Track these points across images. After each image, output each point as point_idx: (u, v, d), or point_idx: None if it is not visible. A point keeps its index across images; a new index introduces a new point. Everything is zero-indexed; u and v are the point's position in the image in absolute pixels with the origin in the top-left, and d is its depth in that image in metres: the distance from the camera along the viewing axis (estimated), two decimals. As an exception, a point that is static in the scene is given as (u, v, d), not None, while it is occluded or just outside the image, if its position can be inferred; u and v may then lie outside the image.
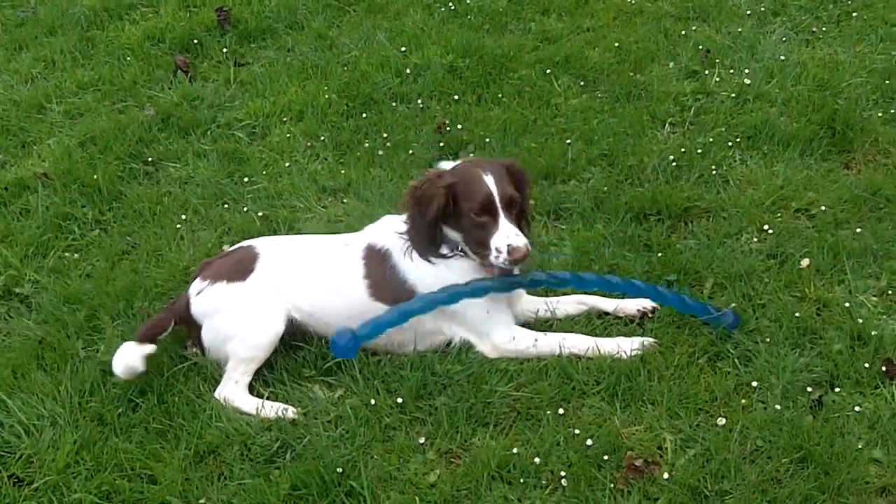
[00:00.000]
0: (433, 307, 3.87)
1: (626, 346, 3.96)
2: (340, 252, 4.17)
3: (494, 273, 3.97)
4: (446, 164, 4.10)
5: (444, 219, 3.94)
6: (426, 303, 3.85)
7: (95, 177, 5.39)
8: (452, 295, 3.87)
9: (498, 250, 3.84)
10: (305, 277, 4.15)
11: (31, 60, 6.85)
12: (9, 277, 4.80)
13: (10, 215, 5.28)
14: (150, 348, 4.01)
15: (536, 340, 4.03)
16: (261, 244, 4.27)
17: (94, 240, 5.03)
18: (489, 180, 3.85)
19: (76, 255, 4.92)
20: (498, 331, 4.05)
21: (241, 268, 4.13)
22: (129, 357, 3.97)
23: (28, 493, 3.68)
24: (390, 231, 4.11)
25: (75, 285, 4.66)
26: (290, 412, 3.89)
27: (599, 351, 3.96)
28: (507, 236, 3.83)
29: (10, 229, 5.15)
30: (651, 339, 3.98)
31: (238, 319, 4.04)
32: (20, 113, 6.22)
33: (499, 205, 3.84)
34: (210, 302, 4.09)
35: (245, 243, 4.33)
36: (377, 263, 4.09)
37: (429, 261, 4.00)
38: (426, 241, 3.98)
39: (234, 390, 3.99)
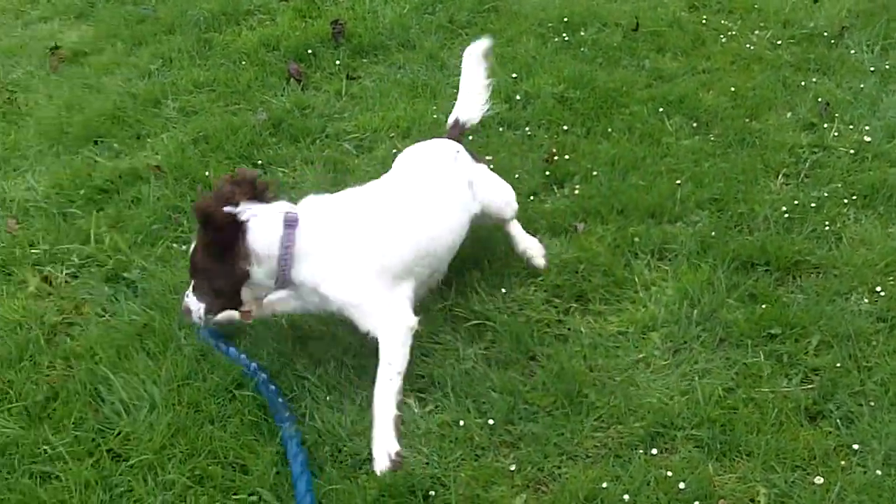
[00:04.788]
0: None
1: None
2: None
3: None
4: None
5: None
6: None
7: (206, 173, 5.49)
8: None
9: None
10: None
11: (149, 56, 7.03)
12: (118, 262, 4.91)
13: (123, 203, 5.41)
14: None
15: None
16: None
17: (200, 234, 5.12)
18: None
19: (183, 247, 5.01)
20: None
21: None
22: None
23: (125, 469, 3.75)
24: None
25: (181, 275, 4.74)
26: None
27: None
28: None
29: (121, 216, 5.28)
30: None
31: None
32: (137, 106, 6.39)
33: None
34: None
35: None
36: None
37: None
38: None
39: None
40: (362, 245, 3.95)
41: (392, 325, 3.90)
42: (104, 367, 4.20)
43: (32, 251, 5.09)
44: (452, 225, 4.30)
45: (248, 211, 3.80)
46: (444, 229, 4.25)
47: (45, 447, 3.87)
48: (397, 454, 3.69)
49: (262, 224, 3.83)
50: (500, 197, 4.60)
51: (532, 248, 4.65)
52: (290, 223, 3.87)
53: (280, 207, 3.93)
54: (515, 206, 4.65)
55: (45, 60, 7.21)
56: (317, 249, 3.90)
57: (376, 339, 3.89)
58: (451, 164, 4.46)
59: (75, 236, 5.16)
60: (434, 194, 4.26)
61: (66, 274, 4.93)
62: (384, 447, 3.71)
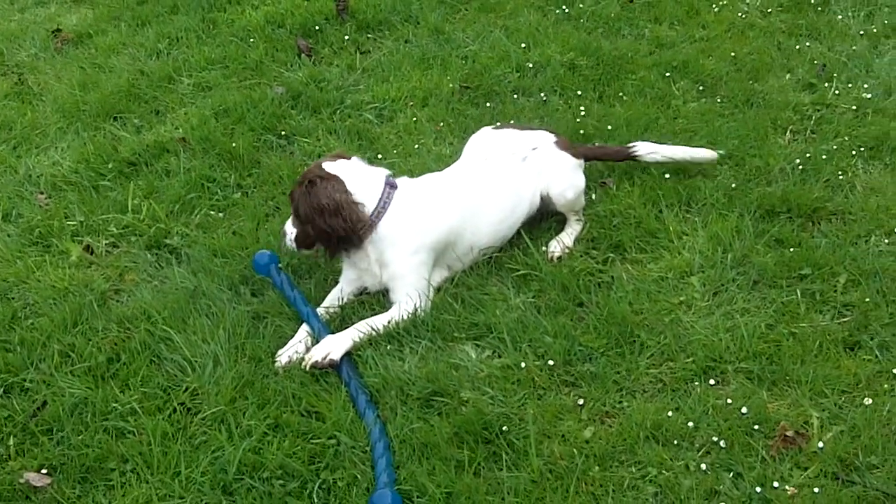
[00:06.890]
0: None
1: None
2: None
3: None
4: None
5: None
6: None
7: (234, 145, 5.61)
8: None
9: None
10: None
11: (155, 36, 7.08)
12: (158, 230, 5.03)
13: (153, 174, 5.52)
14: None
15: None
16: None
17: (237, 201, 5.24)
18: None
19: (221, 215, 5.14)
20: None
21: None
22: None
23: (198, 421, 3.91)
24: None
25: (224, 240, 4.88)
26: None
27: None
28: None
29: (154, 187, 5.39)
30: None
31: None
32: (151, 83, 6.46)
33: None
34: None
35: None
36: None
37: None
38: None
39: None
40: (430, 221, 4.43)
41: (413, 309, 4.31)
42: (164, 327, 4.34)
43: (69, 223, 5.18)
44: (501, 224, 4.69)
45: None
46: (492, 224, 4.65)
47: (114, 404, 4.01)
48: (331, 361, 4.08)
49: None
50: (557, 189, 4.77)
51: (561, 237, 4.79)
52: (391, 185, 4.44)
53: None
54: (569, 198, 4.78)
55: (49, 43, 7.23)
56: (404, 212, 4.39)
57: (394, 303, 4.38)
58: (520, 163, 4.76)
59: (110, 207, 5.26)
60: (491, 191, 4.64)
61: (106, 244, 5.04)
62: (329, 349, 4.11)
